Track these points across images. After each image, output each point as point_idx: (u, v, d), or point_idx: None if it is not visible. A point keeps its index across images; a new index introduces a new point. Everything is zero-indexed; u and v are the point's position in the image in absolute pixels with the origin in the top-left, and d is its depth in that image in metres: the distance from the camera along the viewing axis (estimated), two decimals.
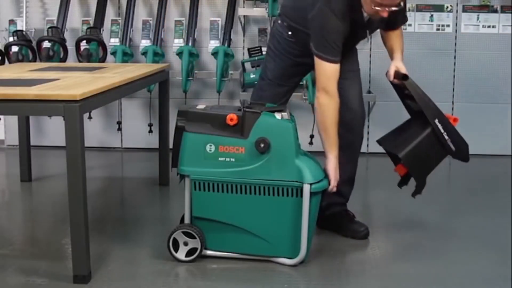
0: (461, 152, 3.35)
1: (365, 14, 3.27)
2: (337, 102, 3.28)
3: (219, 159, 3.14)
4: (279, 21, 3.56)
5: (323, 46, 3.23)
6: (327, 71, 3.26)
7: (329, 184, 3.24)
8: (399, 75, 3.37)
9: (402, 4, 3.25)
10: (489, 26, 5.65)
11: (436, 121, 3.26)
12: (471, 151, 3.46)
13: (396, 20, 3.45)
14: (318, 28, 3.24)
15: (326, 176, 3.26)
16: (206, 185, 3.16)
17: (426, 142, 3.28)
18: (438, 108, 3.34)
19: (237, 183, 3.14)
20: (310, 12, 3.26)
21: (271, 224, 3.17)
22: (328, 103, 3.27)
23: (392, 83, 3.48)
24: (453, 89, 5.73)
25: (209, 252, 3.30)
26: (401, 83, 3.36)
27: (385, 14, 3.18)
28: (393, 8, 3.16)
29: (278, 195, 3.13)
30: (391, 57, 3.54)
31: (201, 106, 3.31)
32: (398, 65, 3.46)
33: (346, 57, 3.48)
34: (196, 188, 3.17)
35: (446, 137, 3.28)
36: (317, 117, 3.34)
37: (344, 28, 3.23)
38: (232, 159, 3.14)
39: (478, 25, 5.65)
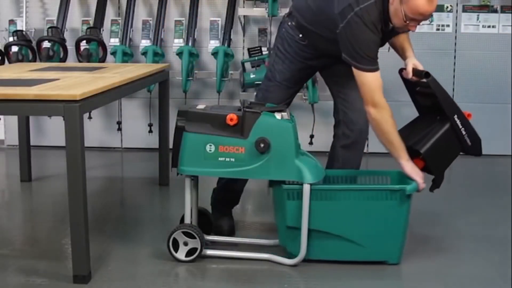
0: (476, 146, 3.37)
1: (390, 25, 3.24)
2: (389, 110, 3.20)
3: (219, 159, 3.14)
4: (289, 23, 3.49)
5: (361, 57, 3.15)
6: (370, 82, 3.18)
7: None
8: (420, 73, 3.32)
9: None
10: (489, 26, 5.65)
11: (455, 117, 3.27)
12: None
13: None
14: (352, 40, 3.15)
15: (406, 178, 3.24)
16: (300, 194, 3.13)
17: (445, 137, 3.29)
18: (456, 104, 3.36)
19: (333, 190, 3.14)
20: (340, 22, 3.16)
21: (369, 229, 3.17)
22: (381, 116, 3.19)
23: (404, 79, 3.43)
24: (453, 89, 5.74)
25: (209, 252, 3.30)
26: (421, 81, 3.33)
27: (413, 29, 3.17)
28: (423, 22, 3.16)
29: (377, 199, 3.13)
30: (403, 56, 3.45)
31: (201, 106, 3.31)
32: (415, 62, 3.39)
33: None
34: (290, 198, 3.15)
35: (464, 132, 3.30)
36: (375, 132, 3.25)
37: (377, 39, 3.18)
38: (232, 159, 3.14)
39: (478, 25, 5.65)
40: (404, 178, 3.25)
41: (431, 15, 3.16)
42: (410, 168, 3.22)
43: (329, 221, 3.16)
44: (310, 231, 3.17)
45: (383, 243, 3.20)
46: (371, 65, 3.17)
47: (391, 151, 3.24)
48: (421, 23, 3.17)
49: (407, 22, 3.11)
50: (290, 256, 3.25)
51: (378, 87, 3.19)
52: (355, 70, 3.19)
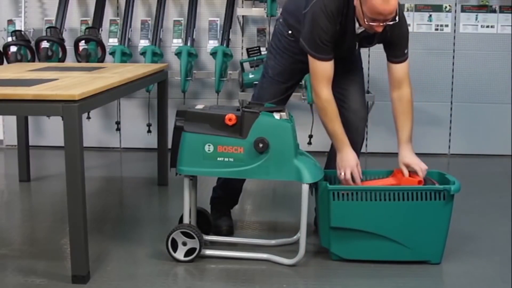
0: None
1: (357, 25, 3.25)
2: (330, 103, 3.29)
3: (218, 159, 3.14)
4: (281, 20, 3.58)
5: (313, 44, 3.24)
6: (318, 70, 3.27)
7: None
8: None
9: (397, 18, 3.15)
10: (487, 26, 5.65)
11: None
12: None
13: (394, 46, 3.36)
14: (308, 25, 3.24)
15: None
16: (346, 194, 3.15)
17: None
18: None
19: (380, 190, 3.15)
20: (304, 9, 3.28)
21: (412, 229, 3.18)
22: (321, 106, 3.31)
23: None
24: (452, 89, 5.73)
25: (207, 252, 3.30)
26: None
27: (379, 29, 3.15)
28: (388, 22, 3.13)
29: (422, 199, 3.14)
30: (397, 135, 3.41)
31: (200, 106, 3.31)
32: (409, 161, 3.33)
33: (347, 57, 3.48)
34: (335, 198, 3.16)
35: None
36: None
37: (332, 30, 3.21)
38: (231, 159, 3.14)
39: (477, 25, 5.65)
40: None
41: (392, 15, 3.11)
42: (340, 158, 3.30)
43: (374, 222, 3.17)
44: (353, 231, 3.19)
45: (426, 243, 3.22)
46: (323, 54, 3.24)
47: (332, 140, 3.37)
48: (384, 23, 3.13)
49: (369, 23, 3.12)
50: (332, 256, 3.28)
51: (322, 78, 3.28)
52: (308, 57, 3.28)
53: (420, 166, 3.30)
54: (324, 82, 3.28)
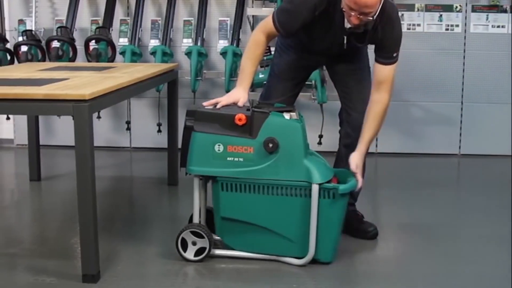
0: None
1: (346, 20, 3.23)
2: (254, 42, 3.33)
3: (228, 159, 3.14)
4: None
5: (281, 11, 3.29)
6: (265, 24, 3.32)
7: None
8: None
9: (375, 17, 3.12)
10: (498, 26, 5.63)
11: None
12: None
13: (384, 48, 3.32)
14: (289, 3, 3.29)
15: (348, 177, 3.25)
16: (233, 185, 3.16)
17: None
18: None
19: (264, 184, 3.14)
20: None
21: (296, 225, 3.17)
22: (248, 42, 3.37)
23: None
24: (462, 89, 5.72)
25: (217, 252, 3.30)
26: None
27: (355, 21, 3.12)
28: (367, 17, 3.10)
29: (306, 196, 3.12)
30: (360, 137, 3.40)
31: (209, 106, 3.31)
32: (360, 164, 3.34)
33: (351, 55, 3.47)
34: (223, 189, 3.17)
35: None
36: None
37: (305, 18, 3.23)
38: (241, 159, 3.14)
39: (487, 25, 5.64)
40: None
41: (369, 9, 3.08)
42: (230, 94, 3.32)
43: (260, 214, 3.17)
44: (242, 223, 3.20)
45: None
46: (279, 23, 3.28)
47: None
48: (361, 17, 3.10)
49: (349, 12, 3.11)
50: (226, 247, 3.29)
51: (265, 28, 3.33)
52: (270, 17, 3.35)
53: (360, 175, 3.31)
54: (264, 31, 3.32)
